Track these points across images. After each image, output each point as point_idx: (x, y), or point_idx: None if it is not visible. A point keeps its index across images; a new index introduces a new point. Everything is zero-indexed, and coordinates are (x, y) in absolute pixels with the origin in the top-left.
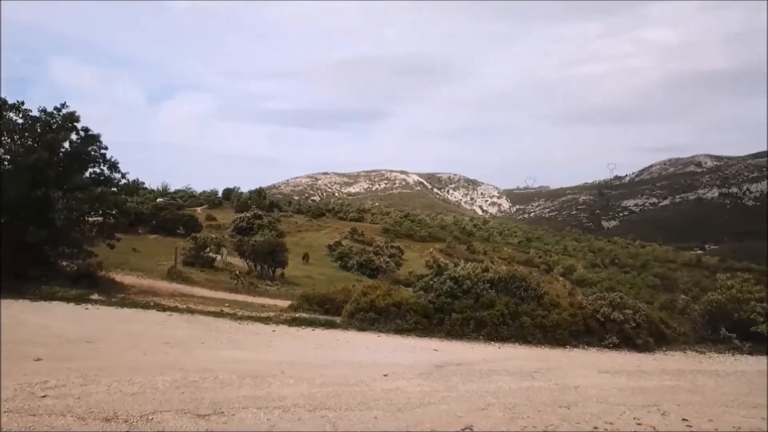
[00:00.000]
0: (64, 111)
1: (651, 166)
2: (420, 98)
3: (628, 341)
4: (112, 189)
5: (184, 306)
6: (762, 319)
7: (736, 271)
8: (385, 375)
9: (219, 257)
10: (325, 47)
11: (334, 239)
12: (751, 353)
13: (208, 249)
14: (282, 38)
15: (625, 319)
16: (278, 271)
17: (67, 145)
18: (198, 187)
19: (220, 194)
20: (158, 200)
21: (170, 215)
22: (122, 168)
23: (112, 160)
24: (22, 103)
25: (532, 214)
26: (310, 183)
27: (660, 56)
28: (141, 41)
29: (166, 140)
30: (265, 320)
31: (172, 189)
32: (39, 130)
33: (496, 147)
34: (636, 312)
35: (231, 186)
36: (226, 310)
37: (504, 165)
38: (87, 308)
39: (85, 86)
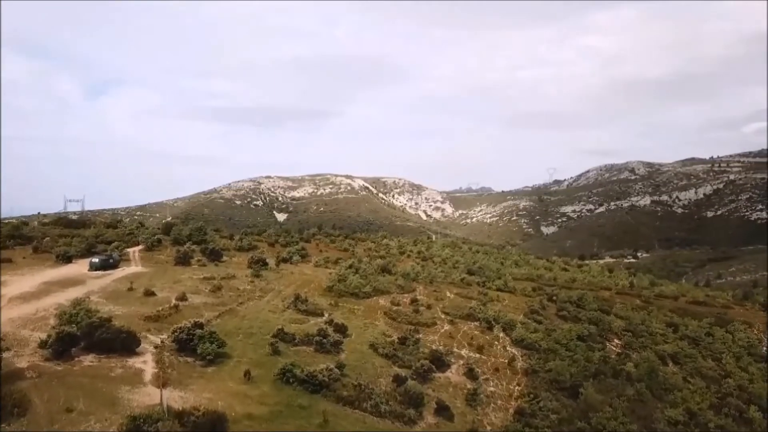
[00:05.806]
0: None
1: (588, 171)
2: (366, 100)
3: None
4: None
5: None
6: None
7: (667, 298)
8: None
9: None
10: (271, 46)
11: (278, 310)
12: None
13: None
14: (227, 36)
15: None
16: None
17: None
18: (136, 191)
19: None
20: (92, 261)
21: (106, 334)
22: (54, 165)
23: None
24: None
25: (474, 220)
26: (253, 187)
27: (599, 63)
28: (77, 35)
29: (103, 138)
30: None
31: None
32: None
33: (440, 149)
34: None
35: (168, 191)
36: None
37: (448, 166)
38: None
39: (17, 79)
